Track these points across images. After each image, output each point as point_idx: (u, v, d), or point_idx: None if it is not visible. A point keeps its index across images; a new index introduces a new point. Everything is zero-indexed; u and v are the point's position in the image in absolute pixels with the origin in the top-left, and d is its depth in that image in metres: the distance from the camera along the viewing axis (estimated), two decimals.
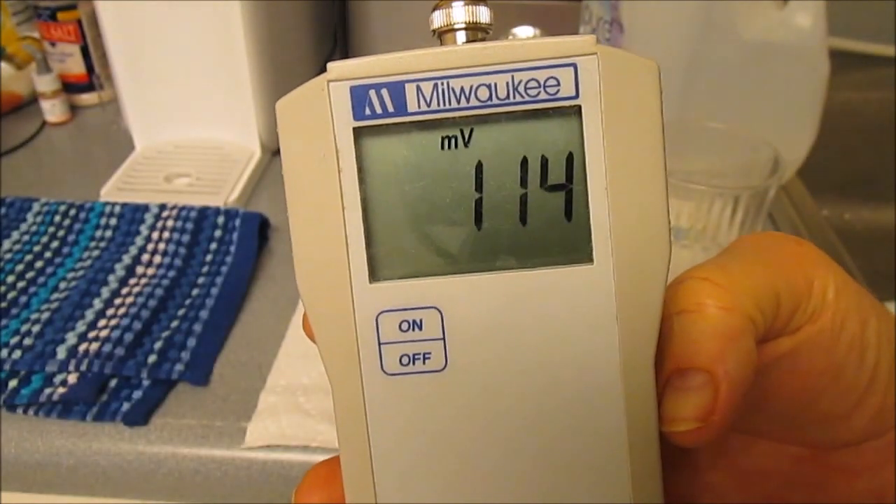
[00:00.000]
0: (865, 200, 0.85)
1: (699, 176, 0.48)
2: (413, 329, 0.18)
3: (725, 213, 0.46)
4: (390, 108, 0.17)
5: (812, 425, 0.20)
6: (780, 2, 0.55)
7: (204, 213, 0.60)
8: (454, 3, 0.18)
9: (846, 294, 0.19)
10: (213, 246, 0.58)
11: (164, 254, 0.56)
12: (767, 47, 0.55)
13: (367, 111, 0.17)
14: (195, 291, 0.53)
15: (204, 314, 0.51)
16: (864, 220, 0.85)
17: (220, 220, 0.59)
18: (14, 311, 0.52)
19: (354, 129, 0.17)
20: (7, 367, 0.46)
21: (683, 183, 0.46)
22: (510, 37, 0.71)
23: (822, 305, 0.19)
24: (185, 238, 0.58)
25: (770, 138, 0.49)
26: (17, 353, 0.47)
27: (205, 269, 0.56)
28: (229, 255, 0.57)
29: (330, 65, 0.17)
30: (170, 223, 0.59)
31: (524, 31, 0.71)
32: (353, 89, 0.17)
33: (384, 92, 0.17)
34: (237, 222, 0.59)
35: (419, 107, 0.17)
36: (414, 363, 0.18)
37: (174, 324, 0.50)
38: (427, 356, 0.18)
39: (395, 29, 0.77)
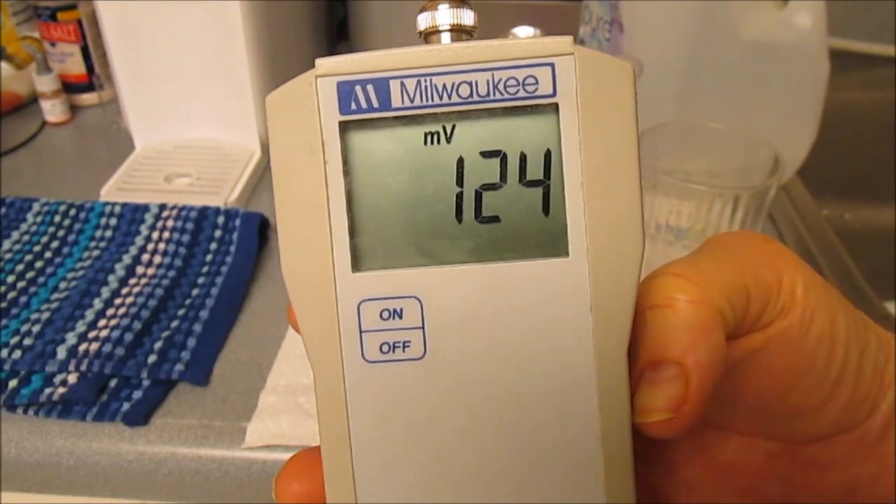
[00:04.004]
0: (865, 200, 0.85)
1: (699, 176, 0.48)
2: (393, 318, 0.18)
3: (725, 213, 0.46)
4: (375, 104, 0.18)
5: (783, 419, 0.21)
6: (780, 2, 0.55)
7: (204, 213, 0.60)
8: (439, 6, 0.19)
9: (814, 290, 0.19)
10: (213, 246, 0.58)
11: (164, 254, 0.56)
12: (767, 47, 0.55)
13: (353, 106, 0.18)
14: (195, 291, 0.53)
15: (204, 314, 0.51)
16: (864, 220, 0.85)
17: (220, 220, 0.59)
18: (14, 311, 0.52)
19: (340, 122, 0.18)
20: (7, 367, 0.46)
21: (683, 183, 0.46)
22: (510, 37, 0.71)
23: (792, 301, 0.19)
24: (185, 238, 0.58)
25: (770, 138, 0.49)
26: (17, 353, 0.47)
27: (205, 269, 0.56)
28: (229, 255, 0.57)
29: (318, 61, 0.18)
30: (170, 223, 0.59)
31: (524, 31, 0.71)
32: (339, 84, 0.18)
33: (369, 87, 0.18)
34: (237, 222, 0.59)
35: (403, 102, 0.18)
36: (394, 351, 0.18)
37: (174, 324, 0.50)
38: (407, 344, 0.18)
39: (394, 29, 0.77)
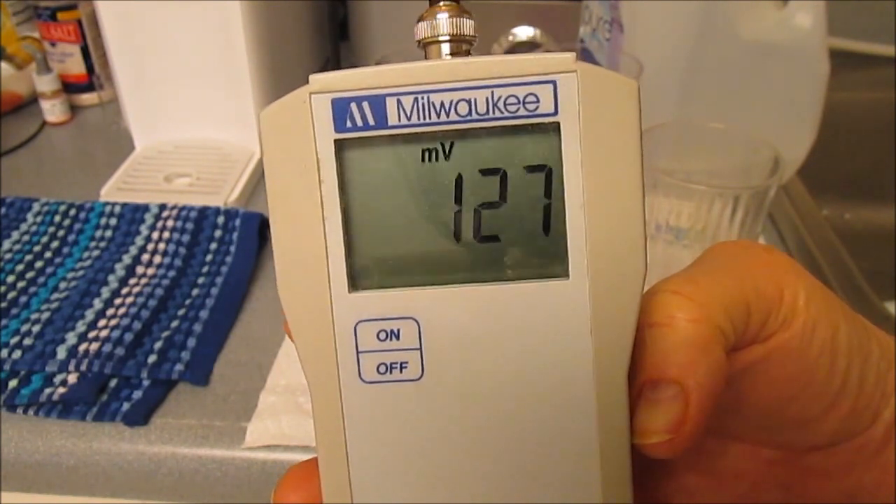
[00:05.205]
0: (865, 200, 0.85)
1: (699, 176, 0.48)
2: (391, 338, 0.18)
3: (725, 213, 0.46)
4: (371, 121, 0.18)
5: (784, 429, 0.21)
6: (780, 2, 0.55)
7: (204, 213, 0.60)
8: (439, 15, 0.19)
9: (816, 301, 0.19)
10: (213, 246, 0.58)
11: (164, 254, 0.56)
12: (767, 47, 0.55)
13: (349, 124, 0.18)
14: (195, 291, 0.53)
15: (204, 314, 0.51)
16: (864, 220, 0.85)
17: (220, 220, 0.59)
18: (14, 311, 0.52)
19: (336, 141, 0.18)
20: (7, 367, 0.46)
21: (683, 183, 0.46)
22: (510, 36, 0.71)
23: (793, 312, 0.19)
24: (185, 238, 0.58)
25: (770, 138, 0.49)
26: (17, 353, 0.47)
27: (205, 269, 0.56)
28: (229, 255, 0.57)
29: (312, 77, 0.18)
30: (170, 223, 0.59)
31: (524, 31, 0.71)
32: (334, 102, 0.18)
33: (365, 105, 0.17)
34: (237, 222, 0.59)
35: (400, 120, 0.17)
36: (391, 372, 0.18)
37: (174, 324, 0.50)
38: (404, 365, 0.18)
39: (395, 29, 0.77)
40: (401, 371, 0.18)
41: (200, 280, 0.55)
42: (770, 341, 0.19)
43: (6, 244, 0.58)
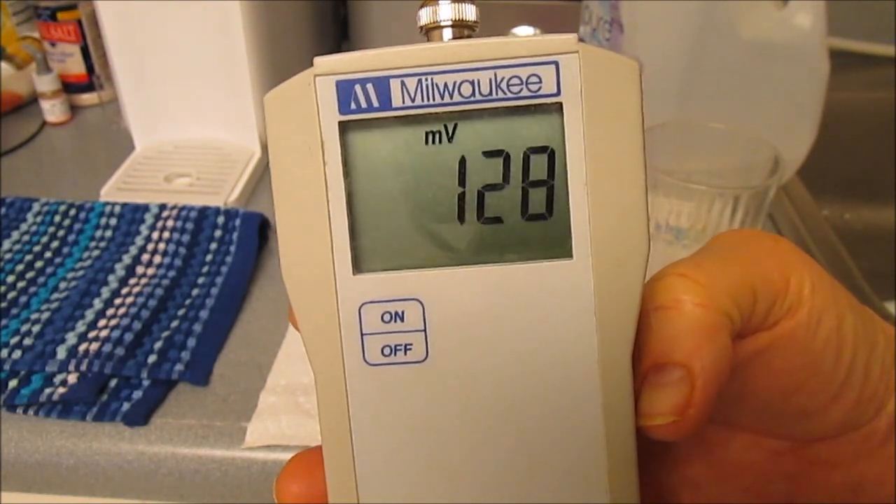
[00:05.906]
0: (865, 200, 0.85)
1: (699, 176, 0.48)
2: (395, 320, 0.18)
3: (725, 213, 0.46)
4: (375, 103, 0.18)
5: (789, 419, 0.21)
6: (780, 2, 0.55)
7: (204, 213, 0.60)
8: (441, 1, 0.19)
9: (822, 290, 0.19)
10: (213, 246, 0.58)
11: (164, 254, 0.56)
12: (767, 47, 0.55)
13: (353, 105, 0.18)
14: (195, 291, 0.53)
15: (204, 314, 0.51)
16: (864, 220, 0.85)
17: (220, 220, 0.59)
18: (14, 311, 0.52)
19: (340, 122, 0.18)
20: (7, 367, 0.46)
21: (683, 183, 0.46)
22: (510, 36, 0.71)
23: (799, 301, 0.19)
24: (185, 238, 0.58)
25: (770, 138, 0.49)
26: (17, 353, 0.47)
27: (205, 269, 0.56)
28: (229, 255, 0.57)
29: (317, 59, 0.18)
30: (170, 223, 0.59)
31: (524, 31, 0.71)
32: (338, 83, 0.18)
33: (369, 87, 0.18)
34: (237, 222, 0.59)
35: (403, 102, 0.18)
36: (395, 354, 0.18)
37: (174, 324, 0.50)
38: (408, 347, 0.18)
39: (395, 29, 0.77)
40: (405, 353, 0.18)
41: (200, 280, 0.55)
42: (775, 329, 0.19)
43: (6, 244, 0.58)
